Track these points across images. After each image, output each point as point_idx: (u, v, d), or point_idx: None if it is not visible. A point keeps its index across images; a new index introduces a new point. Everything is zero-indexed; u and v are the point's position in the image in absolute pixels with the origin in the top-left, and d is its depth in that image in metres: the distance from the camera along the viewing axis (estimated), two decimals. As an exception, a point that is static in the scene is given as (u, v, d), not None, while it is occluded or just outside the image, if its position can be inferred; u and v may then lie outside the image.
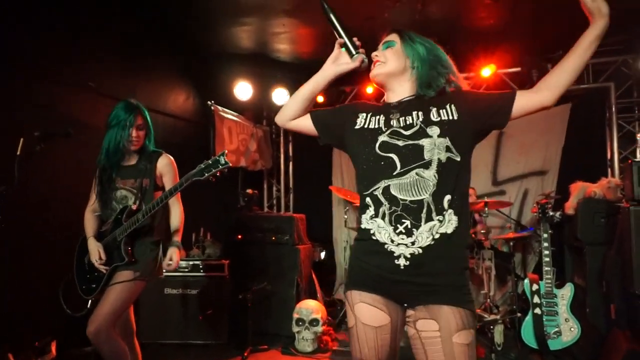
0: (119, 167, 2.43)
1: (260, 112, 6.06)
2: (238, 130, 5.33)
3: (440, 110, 1.45)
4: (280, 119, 1.72)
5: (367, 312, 1.43)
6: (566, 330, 3.44)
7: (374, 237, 1.42)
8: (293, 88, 5.45)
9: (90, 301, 2.40)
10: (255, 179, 6.00)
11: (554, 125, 5.16)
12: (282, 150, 6.23)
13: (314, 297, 4.52)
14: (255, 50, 5.02)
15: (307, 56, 5.11)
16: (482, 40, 4.53)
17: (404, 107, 1.52)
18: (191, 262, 4.11)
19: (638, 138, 3.30)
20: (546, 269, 3.54)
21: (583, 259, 3.73)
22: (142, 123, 2.43)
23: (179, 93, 5.12)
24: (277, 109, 6.53)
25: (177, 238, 2.48)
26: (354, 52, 1.52)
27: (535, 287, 3.55)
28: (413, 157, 1.41)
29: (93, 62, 3.89)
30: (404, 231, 1.38)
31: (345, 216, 5.10)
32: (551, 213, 3.64)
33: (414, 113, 1.48)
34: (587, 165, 4.86)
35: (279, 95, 5.48)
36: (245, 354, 3.68)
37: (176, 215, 2.51)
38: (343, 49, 1.54)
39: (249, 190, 5.02)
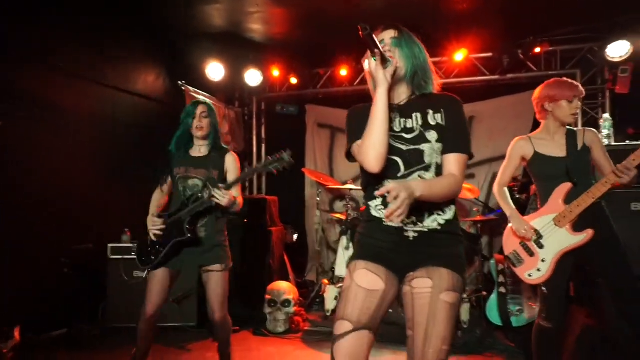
0: (188, 156, 2.69)
1: (233, 94, 5.97)
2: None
3: (436, 114, 1.61)
4: (380, 162, 1.52)
5: (365, 276, 1.56)
6: (528, 308, 3.58)
7: (385, 223, 1.57)
8: (266, 69, 5.42)
9: (146, 271, 2.62)
10: (227, 161, 5.93)
11: (523, 111, 5.26)
12: (254, 132, 6.17)
13: (286, 279, 4.55)
14: (227, 30, 4.91)
15: (281, 37, 5.04)
16: (455, 25, 4.56)
17: (403, 109, 1.64)
18: (161, 245, 4.05)
19: (600, 124, 3.41)
20: (511, 249, 3.66)
21: (546, 240, 3.87)
22: (205, 111, 2.70)
23: (149, 73, 4.98)
24: (249, 90, 6.43)
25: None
26: (389, 60, 1.53)
27: (500, 267, 3.67)
28: (415, 161, 1.57)
29: (57, 40, 3.75)
30: (411, 223, 1.57)
31: (318, 198, 5.12)
32: (517, 196, 3.75)
33: (414, 116, 1.62)
34: (552, 150, 5.00)
35: (252, 76, 5.40)
36: (217, 336, 3.68)
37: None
38: (374, 59, 1.51)
39: (221, 173, 4.96)
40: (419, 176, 1.56)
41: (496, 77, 5.02)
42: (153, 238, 2.62)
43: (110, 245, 4.03)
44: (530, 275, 2.50)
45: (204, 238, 2.59)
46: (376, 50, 1.47)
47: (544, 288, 2.52)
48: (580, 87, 2.48)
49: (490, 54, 4.92)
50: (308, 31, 4.83)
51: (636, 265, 2.37)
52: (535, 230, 2.48)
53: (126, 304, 3.91)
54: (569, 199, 2.40)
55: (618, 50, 4.29)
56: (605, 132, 3.34)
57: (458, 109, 1.63)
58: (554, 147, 2.50)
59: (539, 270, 2.46)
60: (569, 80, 2.52)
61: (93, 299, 3.97)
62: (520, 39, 4.69)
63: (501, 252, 3.82)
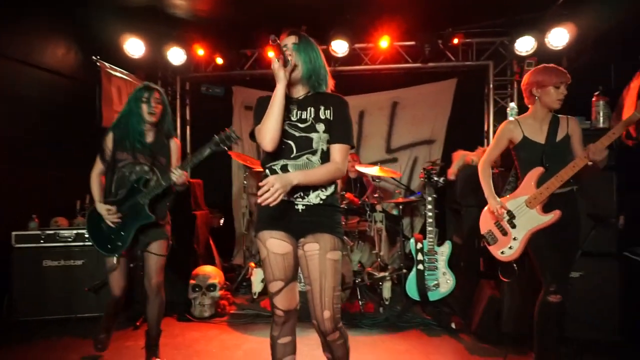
0: (137, 142, 2.70)
1: (155, 72, 5.65)
2: (128, 89, 4.93)
3: (326, 110, 1.97)
4: (273, 144, 1.87)
5: (276, 244, 1.95)
6: (443, 282, 3.84)
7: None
8: (190, 48, 5.19)
9: (116, 257, 2.74)
10: (149, 143, 5.64)
11: (442, 99, 5.57)
12: (178, 114, 5.91)
13: (212, 263, 4.48)
14: (148, 4, 4.61)
15: (205, 14, 4.83)
16: (380, 12, 4.65)
17: (300, 103, 1.99)
18: (75, 232, 3.81)
19: (507, 112, 3.70)
20: (429, 229, 3.89)
21: (461, 219, 4.15)
22: (159, 97, 2.75)
23: (57, 46, 4.56)
24: (173, 69, 6.15)
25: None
26: (288, 61, 1.89)
27: (419, 245, 3.89)
28: (305, 145, 1.92)
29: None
30: (299, 197, 1.93)
31: (245, 182, 5.06)
32: (436, 178, 3.97)
33: (308, 109, 1.97)
34: (468, 136, 5.35)
35: (175, 54, 5.15)
36: (137, 324, 3.55)
37: None
38: (277, 60, 1.87)
39: (142, 155, 4.72)
40: (307, 158, 1.93)
41: (418, 64, 5.23)
42: (111, 225, 2.70)
43: (14, 233, 3.70)
44: (503, 253, 2.65)
45: (156, 218, 2.72)
46: (280, 55, 1.85)
47: (515, 265, 2.70)
48: (568, 74, 2.54)
49: (413, 43, 5.10)
50: (234, 10, 4.69)
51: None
52: (509, 211, 2.63)
53: (35, 296, 3.65)
54: (540, 182, 2.55)
55: (525, 45, 4.64)
56: (511, 119, 3.63)
57: (344, 107, 2.01)
58: (539, 133, 2.60)
59: (510, 248, 2.62)
60: (557, 67, 2.57)
61: (-5, 292, 3.65)
62: (441, 30, 4.91)
63: (422, 232, 4.06)
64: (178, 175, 2.61)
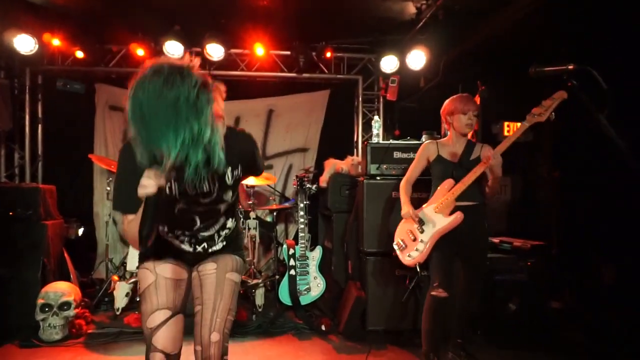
0: None
1: (-4, 60, 4.92)
2: (-39, 78, 4.21)
3: (234, 171, 1.69)
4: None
5: (170, 269, 1.70)
6: (314, 286, 3.98)
7: (178, 247, 1.74)
8: (41, 36, 4.61)
9: None
10: (-13, 142, 4.87)
11: (316, 108, 5.80)
12: (27, 109, 5.19)
13: (67, 279, 4.02)
14: (-13, -19, 4.02)
15: (62, 1, 4.36)
16: (254, 19, 4.67)
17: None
18: None
19: (372, 124, 3.99)
20: (301, 234, 4.00)
21: (331, 225, 4.35)
22: None
23: None
24: (21, 59, 5.42)
25: None
26: None
27: (291, 251, 3.98)
28: (212, 216, 1.74)
29: None
30: (201, 250, 1.77)
31: (108, 188, 4.65)
32: (308, 186, 4.10)
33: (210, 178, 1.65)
34: (340, 145, 5.65)
35: (23, 42, 4.52)
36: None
37: None
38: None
39: (-24, 156, 4.05)
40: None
41: (293, 74, 5.37)
42: None
43: None
44: (409, 256, 2.77)
45: None
46: None
47: (424, 272, 2.83)
48: (476, 103, 2.79)
49: (288, 53, 5.22)
50: (98, 1, 4.32)
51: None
52: (420, 219, 2.77)
53: None
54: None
55: (389, 64, 5.05)
56: (375, 131, 3.94)
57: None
58: (453, 153, 2.83)
59: (417, 249, 2.75)
60: (467, 96, 2.82)
61: None
62: (315, 43, 5.12)
63: (295, 237, 4.15)
64: None
